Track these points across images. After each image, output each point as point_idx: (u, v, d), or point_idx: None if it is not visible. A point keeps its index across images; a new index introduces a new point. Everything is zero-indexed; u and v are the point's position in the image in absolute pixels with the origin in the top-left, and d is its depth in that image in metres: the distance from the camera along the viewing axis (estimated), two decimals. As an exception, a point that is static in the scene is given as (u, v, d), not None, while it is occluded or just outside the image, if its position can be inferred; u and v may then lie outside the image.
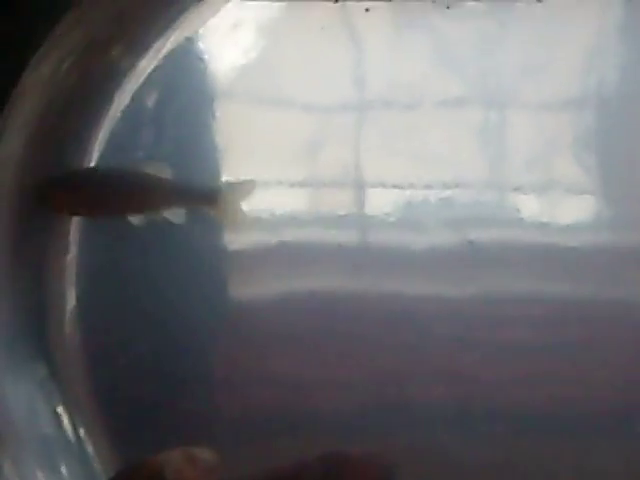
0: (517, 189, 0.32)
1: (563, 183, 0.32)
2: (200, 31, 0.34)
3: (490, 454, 0.30)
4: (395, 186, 0.32)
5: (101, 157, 0.33)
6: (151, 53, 0.33)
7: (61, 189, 0.36)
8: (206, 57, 0.34)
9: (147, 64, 0.33)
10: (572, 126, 0.33)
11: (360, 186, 0.32)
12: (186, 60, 0.34)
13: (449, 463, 0.30)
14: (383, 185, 0.32)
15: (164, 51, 0.33)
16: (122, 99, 0.33)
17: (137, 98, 0.33)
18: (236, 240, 0.33)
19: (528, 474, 0.30)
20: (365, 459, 0.30)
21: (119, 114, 0.33)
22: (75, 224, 0.34)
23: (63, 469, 0.33)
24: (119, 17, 0.35)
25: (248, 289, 0.33)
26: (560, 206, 0.32)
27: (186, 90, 0.34)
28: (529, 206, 0.32)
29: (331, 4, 0.33)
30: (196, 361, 0.32)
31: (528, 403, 0.30)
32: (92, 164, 0.34)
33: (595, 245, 0.31)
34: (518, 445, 0.30)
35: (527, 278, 0.30)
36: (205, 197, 0.34)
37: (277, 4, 0.35)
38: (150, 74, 0.33)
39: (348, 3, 0.33)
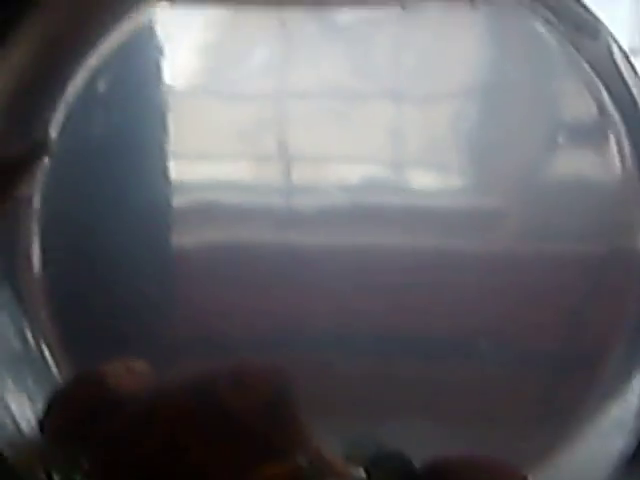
0: (402, 165, 0.37)
1: (437, 160, 0.38)
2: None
3: (366, 368, 0.36)
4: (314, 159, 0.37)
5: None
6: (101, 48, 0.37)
7: None
8: (153, 51, 0.38)
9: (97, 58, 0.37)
10: (453, 116, 0.38)
11: (286, 161, 0.37)
12: (135, 53, 0.38)
13: (334, 376, 0.35)
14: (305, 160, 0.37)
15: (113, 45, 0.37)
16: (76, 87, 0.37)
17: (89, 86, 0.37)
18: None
19: (392, 384, 0.36)
20: (254, 369, 0.36)
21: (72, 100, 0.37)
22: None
23: (29, 379, 0.39)
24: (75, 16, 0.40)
25: (187, 239, 0.38)
26: (434, 178, 0.38)
27: (134, 80, 0.39)
28: (409, 178, 0.38)
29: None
30: (138, 297, 0.37)
31: (395, 330, 0.36)
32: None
33: (458, 208, 0.37)
34: (386, 362, 0.36)
35: (402, 235, 0.36)
36: None
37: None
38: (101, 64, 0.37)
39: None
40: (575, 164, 0.40)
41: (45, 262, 0.39)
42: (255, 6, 0.38)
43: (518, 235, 0.38)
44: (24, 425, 0.39)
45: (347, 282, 0.36)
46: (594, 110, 0.38)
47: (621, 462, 0.39)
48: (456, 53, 0.38)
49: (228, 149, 0.38)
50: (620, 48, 0.40)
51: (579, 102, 0.39)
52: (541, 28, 0.38)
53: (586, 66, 0.38)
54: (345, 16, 0.38)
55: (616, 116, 0.38)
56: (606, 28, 0.40)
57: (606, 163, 0.38)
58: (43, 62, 0.41)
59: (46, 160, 0.38)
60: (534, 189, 0.39)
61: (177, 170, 0.39)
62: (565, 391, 0.38)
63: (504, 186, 0.39)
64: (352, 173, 0.37)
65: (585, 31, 0.40)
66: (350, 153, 0.37)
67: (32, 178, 0.39)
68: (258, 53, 0.38)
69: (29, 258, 0.39)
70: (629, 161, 0.38)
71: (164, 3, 0.39)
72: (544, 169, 0.40)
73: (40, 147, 0.39)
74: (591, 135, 0.39)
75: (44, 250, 0.39)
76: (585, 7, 0.40)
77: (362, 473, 0.36)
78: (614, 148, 0.38)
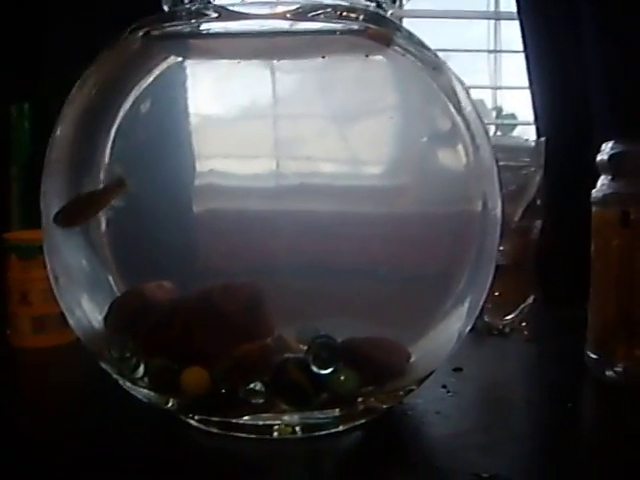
0: (338, 161, 0.51)
1: (359, 158, 0.51)
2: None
3: (309, 286, 0.48)
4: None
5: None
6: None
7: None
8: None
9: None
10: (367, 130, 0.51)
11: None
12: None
13: (290, 291, 0.48)
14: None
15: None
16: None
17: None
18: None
19: (325, 296, 0.49)
20: (238, 285, 0.50)
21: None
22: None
23: (98, 294, 0.53)
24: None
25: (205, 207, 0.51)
26: (356, 168, 0.52)
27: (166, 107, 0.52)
28: (342, 169, 0.51)
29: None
30: (169, 243, 0.50)
31: (327, 262, 0.49)
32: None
33: (371, 186, 0.51)
34: (321, 282, 0.49)
35: (337, 203, 0.49)
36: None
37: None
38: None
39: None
40: (439, 158, 0.54)
41: (107, 221, 0.52)
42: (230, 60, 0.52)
43: (402, 204, 0.51)
44: (94, 323, 0.53)
45: (296, 234, 0.49)
46: (449, 124, 0.53)
47: (460, 335, 0.54)
48: (361, 88, 0.51)
49: (234, 151, 0.50)
50: (457, 78, 0.53)
51: (441, 119, 0.54)
52: (411, 70, 0.52)
53: (441, 94, 0.52)
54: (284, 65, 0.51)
55: (462, 127, 0.52)
56: (447, 66, 0.54)
57: (457, 157, 0.53)
58: (96, 105, 0.54)
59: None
60: (416, 173, 0.52)
61: (199, 163, 0.52)
62: (431, 299, 0.52)
63: (394, 173, 0.52)
64: (298, 167, 0.50)
65: (437, 69, 0.53)
66: (297, 154, 0.50)
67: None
68: (232, 92, 0.51)
69: (99, 222, 0.53)
70: (470, 155, 0.52)
71: (179, 59, 0.53)
72: (419, 162, 0.53)
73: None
74: (448, 140, 0.53)
75: (107, 215, 0.52)
76: (435, 54, 0.54)
77: (305, 348, 0.50)
78: (461, 148, 0.52)
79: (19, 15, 0.92)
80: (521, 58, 1.11)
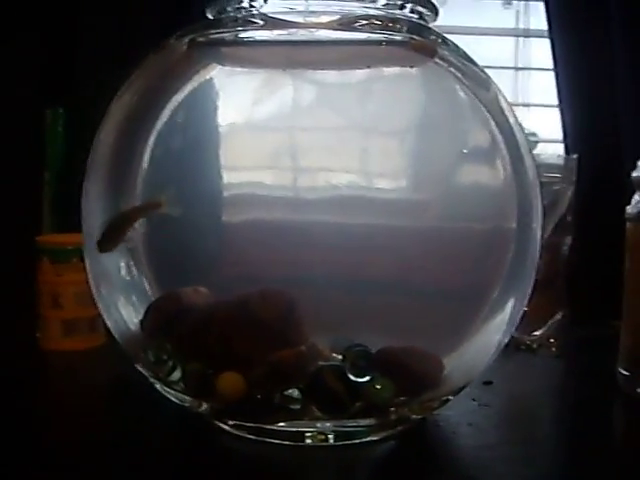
0: (367, 174, 0.51)
1: (389, 171, 0.51)
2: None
3: (343, 298, 0.49)
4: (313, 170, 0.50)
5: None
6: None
7: None
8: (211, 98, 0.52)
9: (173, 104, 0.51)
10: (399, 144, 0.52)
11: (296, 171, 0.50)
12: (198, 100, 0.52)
13: (325, 301, 0.48)
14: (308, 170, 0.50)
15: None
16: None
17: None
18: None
19: (359, 307, 0.49)
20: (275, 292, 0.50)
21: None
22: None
23: (133, 297, 0.53)
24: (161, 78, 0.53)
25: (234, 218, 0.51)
26: (387, 182, 0.51)
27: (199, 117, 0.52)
28: (371, 182, 0.51)
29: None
30: (202, 252, 0.50)
31: (359, 275, 0.49)
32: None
33: (400, 200, 0.51)
34: (354, 294, 0.49)
35: (365, 216, 0.49)
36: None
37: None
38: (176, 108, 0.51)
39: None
40: (475, 174, 0.54)
41: (145, 229, 0.53)
42: (273, 69, 0.52)
43: (438, 217, 0.51)
44: (131, 325, 0.54)
45: (331, 245, 0.49)
46: (488, 140, 0.53)
47: (498, 347, 0.54)
48: (400, 100, 0.52)
49: (272, 161, 0.50)
50: (503, 97, 0.54)
51: (479, 135, 0.53)
52: (454, 84, 0.52)
53: (483, 109, 0.52)
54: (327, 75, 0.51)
55: (502, 144, 0.52)
56: (494, 83, 0.54)
57: (494, 174, 0.53)
58: (138, 111, 0.54)
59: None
60: (449, 188, 0.52)
61: (227, 175, 0.52)
62: (467, 312, 0.52)
63: (431, 187, 0.52)
64: (336, 179, 0.49)
65: (481, 85, 0.53)
66: (335, 166, 0.50)
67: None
68: (274, 102, 0.51)
69: (137, 228, 0.53)
70: (508, 172, 0.52)
71: (219, 66, 0.54)
72: (456, 176, 0.53)
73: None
74: (486, 156, 0.53)
75: (144, 221, 0.52)
76: (481, 69, 0.53)
77: (339, 357, 0.50)
78: (500, 164, 0.52)
79: (53, 18, 0.93)
80: (543, 76, 1.12)
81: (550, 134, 1.14)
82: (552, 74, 1.07)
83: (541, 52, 1.16)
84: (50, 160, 0.86)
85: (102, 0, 0.94)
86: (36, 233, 0.81)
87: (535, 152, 1.26)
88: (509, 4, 1.29)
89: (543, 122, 1.21)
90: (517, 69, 1.29)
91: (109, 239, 0.53)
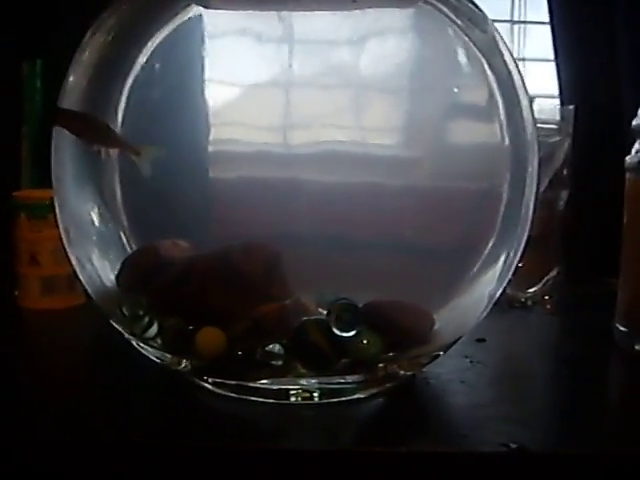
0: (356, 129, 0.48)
1: (380, 126, 0.48)
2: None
3: (330, 253, 0.47)
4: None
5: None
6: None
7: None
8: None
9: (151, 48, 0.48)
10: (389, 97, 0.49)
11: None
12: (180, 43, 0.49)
13: (310, 257, 0.46)
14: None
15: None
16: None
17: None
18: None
19: (346, 263, 0.47)
20: (258, 246, 0.48)
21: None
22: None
23: (110, 251, 0.51)
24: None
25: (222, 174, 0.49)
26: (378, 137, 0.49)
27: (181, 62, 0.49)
28: (361, 138, 0.49)
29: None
30: (186, 205, 0.48)
31: (345, 232, 0.47)
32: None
33: (391, 156, 0.49)
34: (341, 251, 0.47)
35: (355, 173, 0.47)
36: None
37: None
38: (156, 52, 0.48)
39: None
40: (469, 127, 0.51)
41: (121, 177, 0.51)
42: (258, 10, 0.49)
43: (429, 175, 0.50)
44: (106, 280, 0.52)
45: (319, 202, 0.47)
46: (485, 91, 0.50)
47: (489, 301, 0.52)
48: (389, 47, 0.49)
49: (253, 114, 0.48)
50: (502, 39, 0.51)
51: (475, 85, 0.51)
52: (446, 26, 0.49)
53: (478, 54, 0.49)
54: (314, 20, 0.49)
55: (499, 97, 0.50)
56: (492, 23, 0.51)
57: (490, 132, 0.50)
58: (111, 54, 0.51)
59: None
60: (442, 146, 0.50)
61: (215, 130, 0.49)
62: (458, 266, 0.51)
63: (423, 143, 0.50)
64: (324, 134, 0.47)
65: (477, 26, 0.50)
66: (322, 120, 0.48)
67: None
68: (258, 49, 0.49)
69: (112, 177, 0.51)
70: (504, 127, 0.50)
71: (199, 7, 0.50)
72: (449, 131, 0.51)
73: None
74: (481, 109, 0.51)
75: (121, 170, 0.51)
76: (477, 6, 0.51)
77: (325, 312, 0.48)
78: (495, 118, 0.50)
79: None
80: (540, 31, 1.09)
81: (547, 90, 1.12)
82: (548, 29, 1.04)
83: (537, 6, 1.13)
84: (28, 114, 0.83)
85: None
86: (15, 189, 0.78)
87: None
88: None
89: (540, 78, 1.19)
90: (512, 22, 1.26)
91: (71, 117, 0.51)
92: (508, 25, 1.27)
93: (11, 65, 0.85)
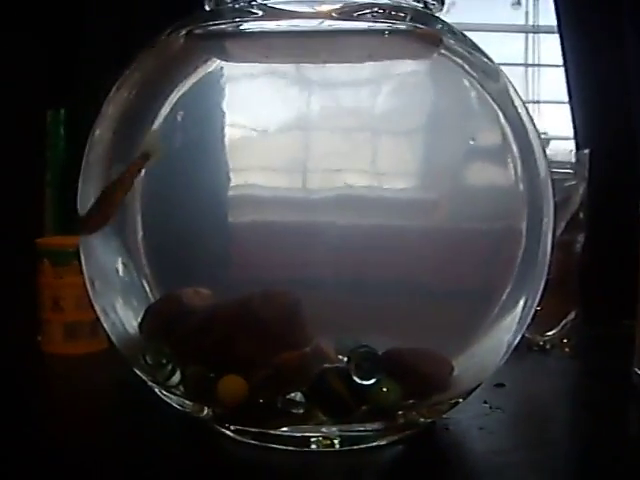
0: (374, 174, 0.49)
1: (397, 171, 0.49)
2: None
3: (349, 298, 0.47)
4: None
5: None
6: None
7: None
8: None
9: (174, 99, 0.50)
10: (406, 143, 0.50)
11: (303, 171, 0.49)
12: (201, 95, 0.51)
13: (330, 302, 0.46)
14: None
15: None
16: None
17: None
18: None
19: (366, 307, 0.47)
20: (278, 293, 0.48)
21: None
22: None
23: (133, 299, 0.52)
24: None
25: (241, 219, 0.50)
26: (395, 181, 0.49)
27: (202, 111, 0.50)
28: (378, 183, 0.49)
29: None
30: (206, 253, 0.49)
31: (365, 276, 0.48)
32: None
33: (409, 200, 0.49)
34: (361, 295, 0.47)
35: (374, 217, 0.47)
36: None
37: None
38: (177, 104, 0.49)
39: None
40: (485, 171, 0.52)
41: (144, 226, 0.51)
42: (276, 62, 0.50)
43: (447, 217, 0.50)
44: (129, 328, 0.52)
45: (337, 245, 0.47)
46: (498, 135, 0.51)
47: (508, 348, 0.52)
48: (406, 95, 0.50)
49: (273, 160, 0.49)
50: (513, 87, 0.52)
51: (488, 129, 0.52)
52: (461, 76, 0.51)
53: (492, 102, 0.50)
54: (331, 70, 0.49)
55: (512, 139, 0.50)
56: (503, 73, 0.52)
57: (504, 170, 0.51)
58: (135, 107, 0.53)
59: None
60: (458, 188, 0.51)
61: (238, 173, 0.50)
62: (477, 312, 0.51)
63: (439, 186, 0.50)
64: (341, 178, 0.48)
65: (490, 76, 0.51)
66: (340, 165, 0.48)
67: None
68: (277, 99, 0.50)
69: (135, 227, 0.51)
70: (518, 168, 0.51)
71: (218, 60, 0.52)
72: (464, 174, 0.51)
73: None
74: (495, 152, 0.52)
75: (144, 220, 0.51)
76: (489, 58, 0.52)
77: (345, 358, 0.48)
78: (510, 160, 0.51)
79: (55, 19, 0.92)
80: (554, 75, 1.10)
81: (562, 132, 1.13)
82: (562, 71, 1.05)
83: (551, 49, 1.14)
84: (51, 161, 0.85)
85: (106, 1, 0.92)
86: (38, 235, 0.79)
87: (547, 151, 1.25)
88: (518, 4, 1.28)
89: (555, 120, 1.20)
90: (527, 66, 1.27)
91: (95, 215, 0.51)
92: (522, 68, 1.29)
93: (36, 114, 0.87)
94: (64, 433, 0.55)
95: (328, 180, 0.48)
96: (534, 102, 1.27)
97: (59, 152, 0.85)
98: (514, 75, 1.27)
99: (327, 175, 0.49)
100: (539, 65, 1.29)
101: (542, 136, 1.28)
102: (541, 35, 1.27)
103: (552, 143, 1.27)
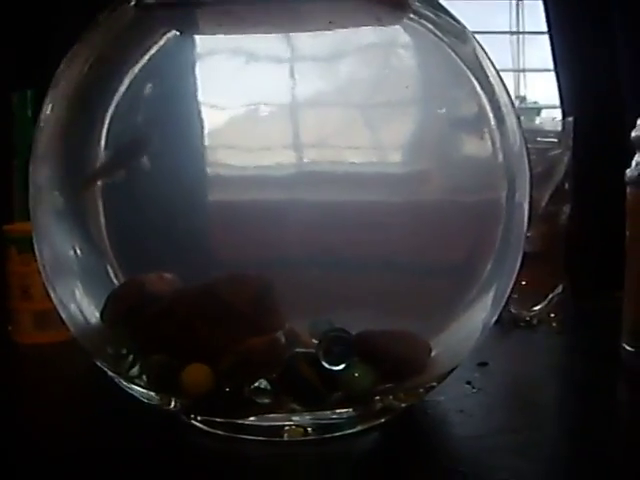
0: (359, 147, 0.47)
1: (381, 144, 0.48)
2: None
3: (323, 277, 0.45)
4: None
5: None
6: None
7: None
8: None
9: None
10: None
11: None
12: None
13: (303, 282, 0.45)
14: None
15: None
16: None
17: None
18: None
19: (339, 287, 0.45)
20: (245, 276, 0.47)
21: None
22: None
23: (94, 286, 0.49)
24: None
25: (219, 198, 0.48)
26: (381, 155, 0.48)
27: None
28: (365, 156, 0.47)
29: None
30: (175, 234, 0.46)
31: (344, 253, 0.46)
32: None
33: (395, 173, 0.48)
34: (335, 273, 0.46)
35: (360, 192, 0.46)
36: None
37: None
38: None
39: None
40: (458, 140, 0.50)
41: (105, 207, 0.49)
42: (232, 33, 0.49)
43: (424, 192, 0.48)
44: (90, 317, 0.50)
45: (308, 224, 0.45)
46: (473, 102, 0.49)
47: (485, 327, 0.50)
48: (373, 63, 0.48)
49: (242, 137, 0.46)
50: (481, 47, 0.50)
51: (464, 96, 0.49)
52: (429, 40, 0.48)
53: (464, 67, 0.48)
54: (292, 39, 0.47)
55: (487, 104, 0.48)
56: (470, 33, 0.50)
57: (477, 140, 0.49)
58: (95, 76, 0.50)
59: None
60: (436, 159, 0.49)
61: (209, 153, 0.48)
62: (455, 289, 0.49)
63: (411, 158, 0.49)
64: (310, 154, 0.46)
65: (459, 38, 0.49)
66: (308, 140, 0.46)
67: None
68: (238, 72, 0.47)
69: (96, 208, 0.49)
70: (496, 142, 0.48)
71: (177, 33, 0.49)
72: (437, 145, 0.49)
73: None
74: (471, 120, 0.49)
75: (105, 201, 0.49)
76: (457, 20, 0.50)
77: (318, 341, 0.46)
78: (486, 128, 0.48)
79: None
80: (543, 44, 1.08)
81: (552, 102, 1.10)
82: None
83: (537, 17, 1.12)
84: (19, 146, 0.81)
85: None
86: (7, 221, 0.77)
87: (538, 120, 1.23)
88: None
89: (545, 92, 1.18)
90: (512, 33, 1.24)
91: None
92: (508, 36, 1.26)
93: (1, 96, 0.84)
94: (33, 422, 0.54)
95: (296, 157, 0.47)
96: (520, 70, 1.24)
97: (27, 136, 0.81)
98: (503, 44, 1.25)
99: (295, 151, 0.47)
100: (524, 33, 1.26)
101: (533, 105, 1.26)
102: (526, 3, 1.24)
103: (544, 112, 1.25)
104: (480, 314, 0.50)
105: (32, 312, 0.72)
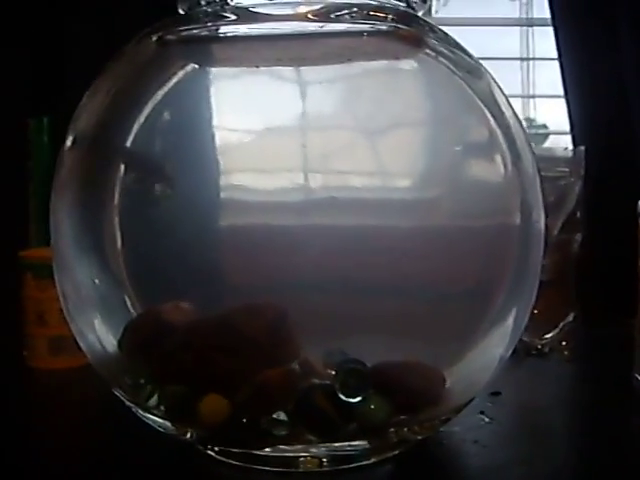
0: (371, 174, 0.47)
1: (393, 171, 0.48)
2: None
3: (337, 305, 0.45)
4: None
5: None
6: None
7: None
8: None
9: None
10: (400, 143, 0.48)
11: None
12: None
13: (317, 310, 0.45)
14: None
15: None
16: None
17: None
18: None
19: (354, 315, 0.45)
20: (261, 306, 0.46)
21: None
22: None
23: (112, 316, 0.50)
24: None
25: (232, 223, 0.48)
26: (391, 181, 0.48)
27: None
28: (376, 183, 0.48)
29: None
30: (189, 263, 0.46)
31: (359, 278, 0.46)
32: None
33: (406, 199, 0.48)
34: (349, 301, 0.45)
35: (373, 217, 0.46)
36: None
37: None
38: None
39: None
40: (473, 170, 0.51)
41: (123, 237, 0.49)
42: (259, 65, 0.48)
43: (442, 216, 0.48)
44: (107, 346, 0.50)
45: (328, 249, 0.45)
46: (486, 133, 0.49)
47: (501, 362, 0.50)
48: (391, 95, 0.48)
49: (257, 164, 0.47)
50: (496, 83, 0.50)
51: (478, 128, 0.50)
52: (445, 75, 0.49)
53: (477, 100, 0.49)
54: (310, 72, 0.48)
55: (500, 135, 0.49)
56: (486, 70, 0.50)
57: (494, 167, 0.49)
58: (116, 108, 0.50)
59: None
60: (450, 186, 0.49)
61: (222, 177, 0.49)
62: (468, 318, 0.48)
63: (432, 185, 0.49)
64: (327, 180, 0.47)
65: (474, 74, 0.50)
66: (326, 167, 0.47)
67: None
68: (257, 102, 0.48)
69: (114, 239, 0.49)
70: (509, 165, 0.49)
71: (197, 66, 0.50)
72: (452, 173, 0.49)
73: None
74: (485, 149, 0.50)
75: (122, 232, 0.49)
76: (472, 57, 0.50)
77: (333, 373, 0.46)
78: (499, 158, 0.49)
79: (39, 25, 0.90)
80: (552, 68, 1.08)
81: (562, 127, 1.11)
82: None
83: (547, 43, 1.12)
84: (35, 171, 0.82)
85: (89, 8, 0.91)
86: (22, 247, 0.77)
87: (546, 145, 1.24)
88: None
89: (554, 116, 1.18)
90: (522, 59, 1.25)
91: None
92: (519, 62, 1.27)
93: (18, 122, 0.85)
94: (48, 448, 0.54)
95: (312, 183, 0.47)
96: (529, 96, 1.25)
97: (43, 162, 0.83)
98: (512, 68, 1.26)
99: (311, 177, 0.47)
100: (535, 58, 1.27)
101: (542, 130, 1.26)
102: (536, 28, 1.24)
103: (552, 137, 1.26)
104: (497, 345, 0.50)
105: (47, 337, 0.73)
